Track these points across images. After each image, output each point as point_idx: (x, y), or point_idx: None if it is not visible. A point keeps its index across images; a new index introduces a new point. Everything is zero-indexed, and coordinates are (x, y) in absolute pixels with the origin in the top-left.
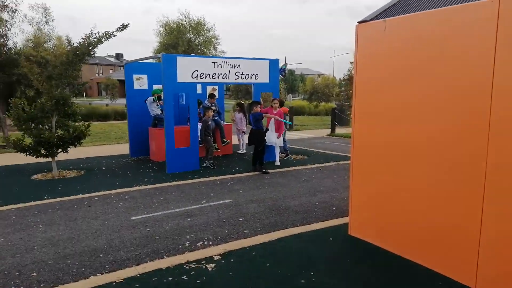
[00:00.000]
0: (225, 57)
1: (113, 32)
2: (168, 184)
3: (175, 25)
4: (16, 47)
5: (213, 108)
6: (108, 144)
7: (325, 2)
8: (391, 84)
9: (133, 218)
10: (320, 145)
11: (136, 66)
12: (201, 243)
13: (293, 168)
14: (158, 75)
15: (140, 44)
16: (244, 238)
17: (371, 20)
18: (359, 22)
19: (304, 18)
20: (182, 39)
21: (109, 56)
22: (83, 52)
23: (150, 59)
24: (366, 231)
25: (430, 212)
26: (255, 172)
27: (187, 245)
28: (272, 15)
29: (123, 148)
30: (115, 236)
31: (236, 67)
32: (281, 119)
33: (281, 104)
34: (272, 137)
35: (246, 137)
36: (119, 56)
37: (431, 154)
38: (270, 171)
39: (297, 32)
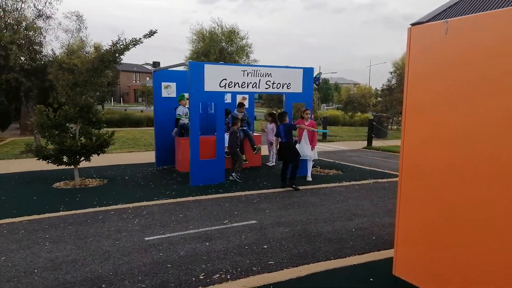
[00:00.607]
0: (256, 65)
1: (140, 39)
2: (190, 198)
3: (207, 33)
4: (54, 53)
5: (240, 117)
6: (136, 151)
7: (361, 12)
8: (453, 99)
9: (146, 238)
10: (356, 159)
11: (164, 74)
12: (217, 275)
13: (326, 185)
14: (187, 83)
15: (177, 53)
16: (268, 272)
17: (427, 21)
18: (412, 24)
19: (339, 28)
20: (214, 47)
21: (147, 64)
22: (109, 59)
23: (179, 67)
24: (416, 272)
25: (505, 250)
26: (284, 188)
27: (202, 277)
28: (308, 25)
29: (150, 156)
30: (123, 260)
31: (267, 75)
32: (315, 130)
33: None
34: (306, 150)
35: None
36: (156, 64)
37: (504, 178)
38: (300, 187)
39: (332, 42)
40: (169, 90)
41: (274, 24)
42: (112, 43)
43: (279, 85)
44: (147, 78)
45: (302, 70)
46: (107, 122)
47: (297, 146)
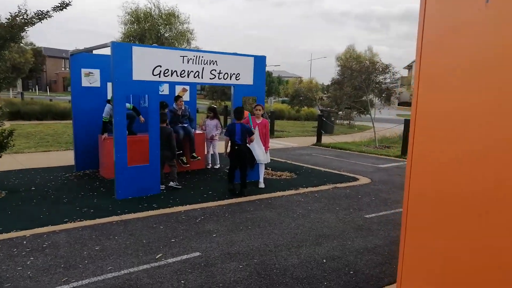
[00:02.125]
0: (198, 51)
1: (48, 11)
2: (114, 219)
3: (143, 14)
4: None
5: (178, 113)
6: (54, 151)
7: (300, 6)
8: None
9: None
10: (308, 158)
11: (85, 58)
12: None
13: (282, 193)
14: None
15: (112, 39)
16: None
17: None
18: None
19: (280, 21)
20: (151, 31)
21: (78, 50)
22: (4, 36)
23: (102, 49)
24: None
25: None
26: (232, 190)
27: None
28: (249, 17)
29: (71, 157)
30: None
31: (212, 63)
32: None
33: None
34: (258, 153)
35: (219, 148)
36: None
37: None
38: (253, 197)
39: (273, 34)
40: (90, 78)
41: (215, 14)
42: (10, 16)
43: (226, 75)
44: None
45: (253, 58)
46: (26, 115)
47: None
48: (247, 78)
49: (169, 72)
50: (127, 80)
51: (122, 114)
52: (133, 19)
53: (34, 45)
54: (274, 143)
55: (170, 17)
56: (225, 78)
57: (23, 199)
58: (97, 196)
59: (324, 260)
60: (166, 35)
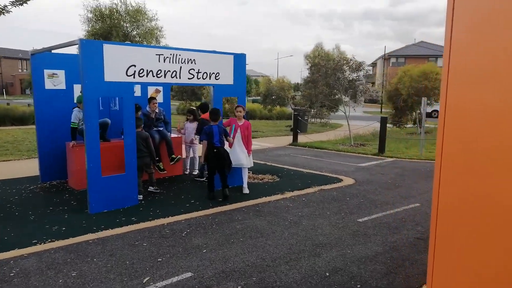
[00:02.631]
0: (175, 48)
1: (5, 6)
2: (90, 237)
3: (107, 11)
4: None
5: (152, 116)
6: (15, 160)
7: (264, 5)
8: None
9: None
10: (287, 159)
11: (48, 58)
12: None
13: (268, 198)
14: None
15: (72, 38)
16: None
17: None
18: None
19: (244, 20)
20: (117, 28)
21: (39, 49)
22: None
23: (68, 48)
24: None
25: None
26: (213, 199)
27: None
28: (213, 15)
29: (35, 167)
30: None
31: (190, 62)
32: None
33: (204, 109)
34: (240, 156)
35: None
36: None
37: None
38: (239, 204)
39: (237, 33)
40: (55, 80)
41: (178, 12)
42: None
43: (205, 74)
44: None
45: (232, 56)
46: None
47: (230, 152)
48: (227, 77)
49: (144, 72)
50: (98, 82)
51: (94, 119)
52: (97, 17)
53: None
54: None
55: (137, 14)
56: (204, 78)
57: None
58: (68, 211)
59: (327, 274)
60: (134, 33)
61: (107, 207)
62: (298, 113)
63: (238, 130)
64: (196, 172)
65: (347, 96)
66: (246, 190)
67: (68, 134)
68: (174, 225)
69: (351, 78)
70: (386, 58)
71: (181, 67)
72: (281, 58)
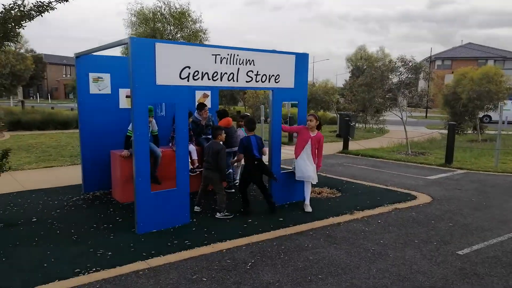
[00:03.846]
0: (233, 48)
1: (50, 2)
2: (140, 266)
3: (151, 14)
4: None
5: (202, 123)
6: (58, 166)
7: (298, 11)
8: None
9: None
10: (342, 170)
11: (93, 61)
12: None
13: (336, 219)
14: (127, 74)
15: (115, 48)
16: None
17: None
18: None
19: (278, 25)
20: (161, 31)
21: (84, 51)
22: None
23: (115, 49)
24: None
25: None
26: (247, 210)
27: None
28: (247, 21)
29: (78, 174)
30: None
31: (248, 63)
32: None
33: (222, 115)
34: (308, 169)
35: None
36: None
37: None
38: (304, 226)
39: (271, 38)
40: (100, 84)
41: (214, 19)
42: (4, 9)
43: (264, 77)
44: None
45: (294, 56)
46: (26, 125)
47: (296, 163)
48: (287, 80)
49: (199, 75)
50: (149, 85)
51: (144, 127)
52: (140, 20)
53: (35, 52)
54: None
55: (181, 16)
56: (263, 80)
57: (21, 236)
58: (114, 229)
59: None
60: (178, 35)
61: (156, 226)
62: (349, 118)
63: (309, 142)
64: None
65: (405, 100)
66: (308, 208)
67: (114, 142)
68: (235, 253)
69: (408, 82)
70: (432, 60)
71: (238, 68)
72: (317, 61)
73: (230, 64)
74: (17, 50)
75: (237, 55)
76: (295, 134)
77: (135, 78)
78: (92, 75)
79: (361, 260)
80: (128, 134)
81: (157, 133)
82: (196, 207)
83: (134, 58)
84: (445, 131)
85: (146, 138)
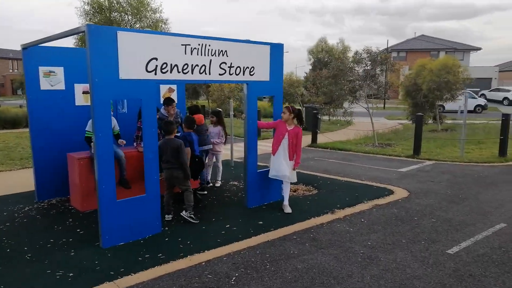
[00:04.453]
0: (204, 37)
1: None
2: None
3: (106, 2)
4: None
5: (171, 118)
6: (7, 171)
7: (256, 2)
8: None
9: None
10: (314, 164)
11: (43, 53)
12: None
13: (318, 220)
14: (84, 68)
15: (67, 39)
16: None
17: None
18: None
19: (236, 17)
20: (117, 21)
21: (33, 42)
22: None
23: (65, 40)
24: None
25: None
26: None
27: None
28: (204, 13)
29: (29, 179)
30: None
31: (221, 54)
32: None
33: (194, 111)
34: (283, 167)
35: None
36: None
37: None
38: (286, 229)
39: (230, 31)
40: (52, 79)
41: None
42: None
43: (238, 69)
44: None
45: (269, 47)
46: None
47: (271, 159)
48: (263, 72)
49: (168, 67)
50: (111, 80)
51: (106, 128)
52: (95, 9)
53: None
54: (264, 145)
55: (140, 5)
56: (237, 73)
57: None
58: (74, 244)
59: None
60: (137, 26)
61: (124, 238)
62: (317, 111)
63: (286, 136)
64: (219, 183)
65: (370, 91)
66: (288, 209)
67: (70, 143)
68: (216, 266)
69: (374, 73)
70: (388, 52)
71: (211, 60)
72: None
73: (201, 55)
74: None
75: (209, 45)
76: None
77: (94, 72)
78: (42, 69)
79: (352, 266)
80: (86, 135)
81: (118, 132)
82: (166, 216)
83: (93, 49)
84: (406, 122)
85: (109, 140)
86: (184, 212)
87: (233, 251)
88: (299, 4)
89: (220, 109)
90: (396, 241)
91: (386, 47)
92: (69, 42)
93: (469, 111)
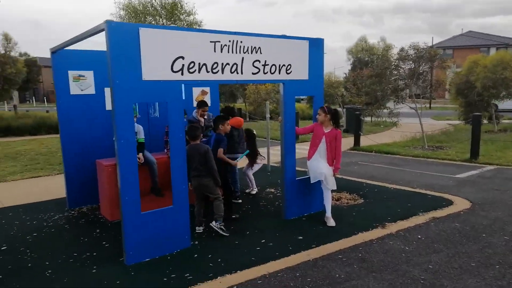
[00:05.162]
0: (235, 33)
1: None
2: None
3: (140, 6)
4: None
5: (203, 123)
6: (45, 176)
7: (291, 5)
8: None
9: None
10: (358, 169)
11: (73, 57)
12: None
13: (367, 235)
14: None
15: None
16: None
17: None
18: None
19: (271, 20)
20: (153, 24)
21: (60, 45)
22: None
23: (93, 38)
24: None
25: None
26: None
27: None
28: (241, 18)
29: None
30: None
31: (254, 51)
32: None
33: (228, 112)
34: (322, 165)
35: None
36: None
37: None
38: (330, 247)
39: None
40: (82, 83)
41: (208, 17)
42: None
43: (273, 67)
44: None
45: (307, 42)
46: (17, 130)
47: (308, 165)
48: (300, 70)
49: (196, 67)
50: (133, 81)
51: (130, 134)
52: (130, 13)
53: (29, 55)
54: (303, 149)
55: (173, 8)
56: (272, 72)
57: None
58: (98, 259)
59: None
60: None
61: (150, 254)
62: (360, 112)
63: (323, 139)
64: (255, 190)
65: (418, 90)
66: (331, 222)
67: (100, 149)
68: None
69: (422, 71)
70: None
71: (243, 58)
72: None
73: (232, 52)
74: (7, 53)
75: (241, 42)
76: None
77: (115, 72)
78: (72, 73)
79: None
80: (138, 141)
81: (143, 140)
82: (197, 228)
83: (113, 47)
84: (457, 122)
85: (133, 146)
86: (214, 222)
87: (269, 272)
88: (335, 5)
89: (254, 132)
90: (464, 264)
91: (431, 45)
92: (103, 46)
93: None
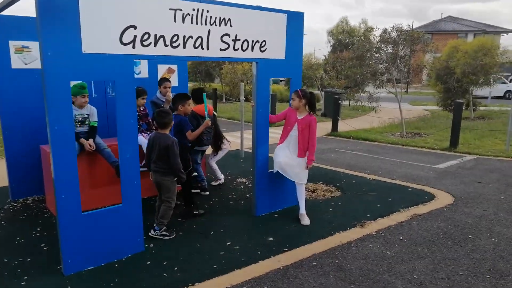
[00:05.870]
0: (200, 1)
1: None
2: None
3: None
4: None
5: (164, 106)
6: None
7: None
8: None
9: None
10: (335, 157)
11: (15, 24)
12: None
13: (344, 236)
14: None
15: None
16: None
17: None
18: None
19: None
20: None
21: None
22: None
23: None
24: None
25: None
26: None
27: None
28: None
29: (4, 173)
30: None
31: (223, 23)
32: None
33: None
34: (294, 165)
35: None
36: None
37: None
38: (301, 251)
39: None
40: (26, 56)
41: None
42: None
43: (245, 43)
44: None
45: (285, 15)
46: None
47: (276, 150)
48: (277, 49)
49: (152, 39)
50: (70, 55)
51: (66, 119)
52: None
53: None
54: (277, 133)
55: None
56: (243, 49)
57: None
58: (32, 266)
59: None
60: None
61: (93, 262)
62: (339, 96)
63: (295, 127)
64: (221, 180)
65: (399, 74)
66: (305, 220)
67: (45, 134)
68: None
69: (403, 54)
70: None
71: (209, 30)
72: None
73: (197, 24)
74: None
75: (207, 11)
76: None
77: (46, 42)
78: (14, 44)
79: None
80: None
81: (96, 124)
82: (152, 230)
83: (42, 10)
84: (433, 108)
85: (70, 134)
86: (152, 231)
87: (232, 284)
88: None
89: (215, 113)
90: (451, 273)
91: (411, 28)
92: None
93: (499, 97)
